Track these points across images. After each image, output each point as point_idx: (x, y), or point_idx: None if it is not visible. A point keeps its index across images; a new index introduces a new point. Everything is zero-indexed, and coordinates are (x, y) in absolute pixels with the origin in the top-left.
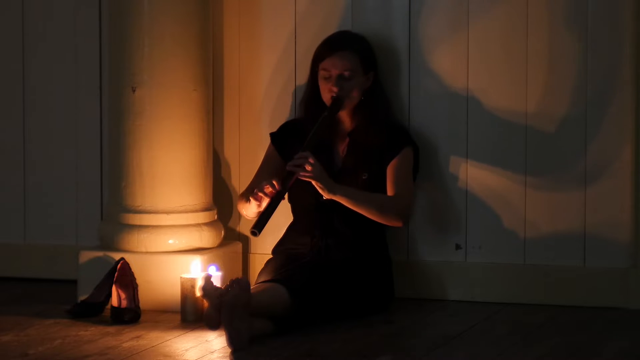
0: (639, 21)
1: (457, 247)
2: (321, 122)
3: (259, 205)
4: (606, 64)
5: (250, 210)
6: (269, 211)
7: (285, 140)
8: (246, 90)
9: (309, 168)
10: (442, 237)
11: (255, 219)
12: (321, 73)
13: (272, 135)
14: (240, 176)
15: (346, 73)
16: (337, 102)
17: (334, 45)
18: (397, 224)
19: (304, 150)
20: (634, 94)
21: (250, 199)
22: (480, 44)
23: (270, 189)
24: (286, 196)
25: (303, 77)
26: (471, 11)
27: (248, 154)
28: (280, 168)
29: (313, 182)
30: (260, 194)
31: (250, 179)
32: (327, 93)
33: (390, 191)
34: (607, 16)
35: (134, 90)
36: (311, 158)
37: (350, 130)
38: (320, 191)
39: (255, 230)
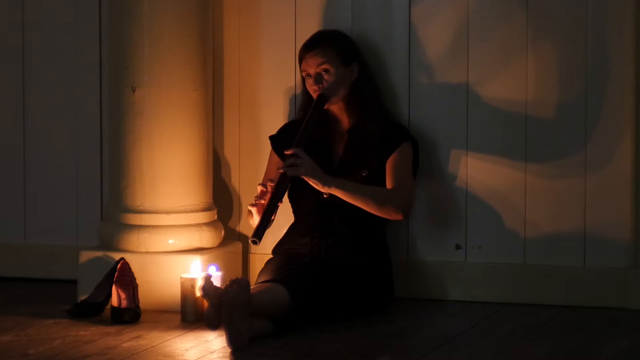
0: (639, 14)
1: (457, 247)
2: (308, 120)
3: (258, 212)
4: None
5: (254, 222)
6: (266, 217)
7: (284, 143)
8: (246, 90)
9: (298, 166)
10: (442, 237)
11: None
12: (303, 75)
13: (271, 139)
14: (240, 176)
15: (322, 69)
16: (320, 98)
17: (307, 46)
18: (397, 217)
19: (294, 148)
20: (634, 94)
21: (249, 208)
22: (480, 41)
23: (262, 189)
24: (287, 196)
25: None
26: (471, 11)
27: (248, 154)
28: None
29: (306, 179)
30: (255, 200)
31: (250, 179)
32: (312, 93)
33: (389, 185)
34: (608, 6)
35: (134, 90)
36: (300, 154)
37: (348, 129)
38: (315, 186)
39: (255, 239)
